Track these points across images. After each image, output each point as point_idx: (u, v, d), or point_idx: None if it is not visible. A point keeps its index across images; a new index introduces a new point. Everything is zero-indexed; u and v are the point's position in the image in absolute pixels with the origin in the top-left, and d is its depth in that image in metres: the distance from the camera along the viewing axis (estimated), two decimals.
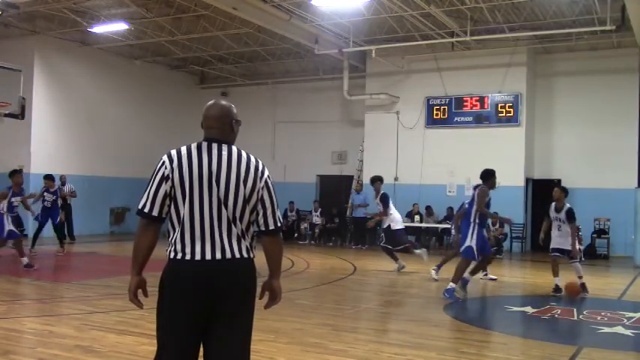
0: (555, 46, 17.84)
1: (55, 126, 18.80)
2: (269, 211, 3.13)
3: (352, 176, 20.20)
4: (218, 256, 2.95)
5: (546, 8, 15.76)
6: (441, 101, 18.89)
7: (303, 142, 21.13)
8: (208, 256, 2.94)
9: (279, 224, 3.16)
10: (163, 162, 3.03)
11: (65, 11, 16.47)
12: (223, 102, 3.28)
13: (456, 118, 18.69)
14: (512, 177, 17.59)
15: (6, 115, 14.10)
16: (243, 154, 3.11)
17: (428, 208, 18.25)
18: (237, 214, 3.01)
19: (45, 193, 13.86)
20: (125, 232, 20.36)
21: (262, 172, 3.11)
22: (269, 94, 22.14)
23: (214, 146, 3.07)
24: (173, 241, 3.00)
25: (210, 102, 3.27)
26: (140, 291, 3.11)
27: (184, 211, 2.97)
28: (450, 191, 18.48)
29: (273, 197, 3.15)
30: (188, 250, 2.95)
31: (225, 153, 3.06)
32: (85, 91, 19.61)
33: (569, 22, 16.13)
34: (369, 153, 19.67)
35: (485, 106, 18.33)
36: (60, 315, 7.45)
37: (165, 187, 2.99)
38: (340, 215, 19.63)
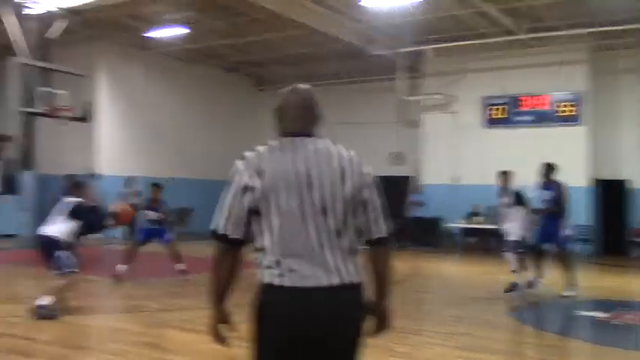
0: (618, 43, 17.30)
1: (118, 129, 19.32)
2: (375, 215, 2.52)
3: (409, 177, 20.06)
4: (324, 282, 2.33)
5: (606, 3, 15.28)
6: (499, 101, 18.56)
7: (359, 144, 20.82)
8: (311, 282, 2.32)
9: (389, 230, 2.58)
10: (239, 169, 2.42)
11: (126, 17, 16.89)
12: (303, 86, 2.69)
13: (515, 118, 18.33)
14: (573, 177, 17.06)
15: (73, 119, 14.57)
16: (333, 146, 2.53)
17: (490, 208, 17.85)
18: (340, 223, 2.40)
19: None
20: (188, 232, 20.71)
21: (361, 167, 2.53)
22: (323, 95, 21.83)
23: (299, 142, 2.48)
24: (266, 262, 2.38)
25: (289, 88, 2.68)
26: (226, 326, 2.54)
27: (275, 226, 2.35)
28: None
29: (379, 197, 2.56)
30: (286, 275, 2.33)
31: (312, 148, 2.47)
32: (146, 94, 20.09)
33: (631, 18, 15.61)
34: (426, 154, 19.50)
35: (545, 106, 17.93)
36: (129, 312, 7.64)
37: (247, 201, 2.37)
38: (398, 216, 19.52)
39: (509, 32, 16.72)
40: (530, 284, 9.45)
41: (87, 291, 9.07)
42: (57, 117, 14.38)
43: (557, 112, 17.73)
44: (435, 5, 15.17)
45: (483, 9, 14.81)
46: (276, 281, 2.34)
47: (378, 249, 2.57)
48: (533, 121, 18.05)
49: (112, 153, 18.80)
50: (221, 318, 2.53)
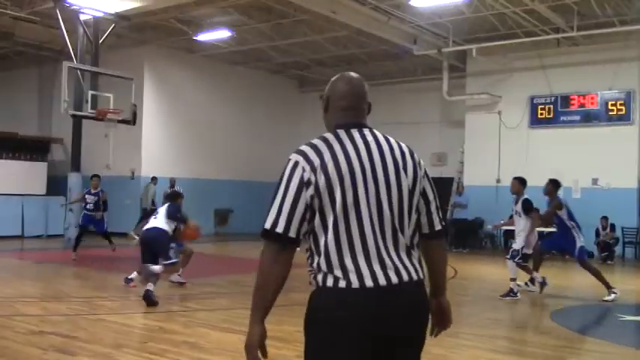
0: None
1: (163, 131, 19.70)
2: (433, 207, 2.42)
3: (452, 178, 19.84)
4: (394, 279, 2.20)
5: None
6: (545, 100, 18.19)
7: None
8: (382, 281, 2.17)
9: (444, 223, 2.46)
10: (297, 163, 2.24)
11: (172, 21, 17.21)
12: (354, 74, 2.54)
13: (562, 118, 17.95)
14: (623, 179, 16.67)
15: (119, 121, 14.91)
16: (390, 137, 2.41)
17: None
18: (404, 217, 2.29)
19: (87, 196, 13.08)
20: (228, 232, 21.02)
21: (418, 158, 2.42)
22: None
23: (355, 133, 2.34)
24: (326, 263, 2.21)
25: (340, 76, 2.52)
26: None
27: (338, 223, 2.20)
28: None
29: (434, 189, 2.45)
30: (353, 275, 2.17)
31: (371, 139, 2.34)
32: (191, 96, 20.42)
33: None
34: (469, 154, 19.25)
35: (594, 104, 17.49)
36: (168, 312, 7.77)
37: (305, 197, 2.20)
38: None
39: (557, 30, 16.38)
40: (541, 285, 9.72)
41: (127, 290, 9.28)
42: (105, 119, 14.75)
43: (606, 111, 17.27)
44: (482, 4, 14.98)
45: (531, 7, 14.54)
46: (341, 283, 2.17)
47: (437, 242, 2.45)
48: (581, 121, 17.63)
49: (156, 155, 19.16)
50: (263, 336, 2.23)
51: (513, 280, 9.49)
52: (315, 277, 2.25)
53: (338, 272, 2.18)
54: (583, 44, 17.18)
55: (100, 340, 6.09)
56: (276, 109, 23.05)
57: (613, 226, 16.09)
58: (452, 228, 18.68)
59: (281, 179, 2.24)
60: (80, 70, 15.07)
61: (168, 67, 19.85)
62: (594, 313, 9.20)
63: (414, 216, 2.33)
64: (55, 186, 18.22)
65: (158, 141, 19.42)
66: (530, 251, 9.61)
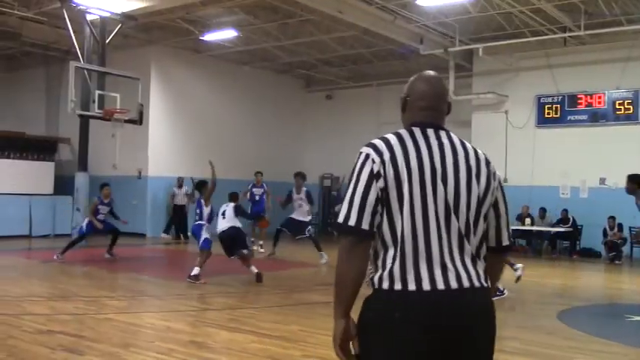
0: None
1: (169, 131, 19.73)
2: (503, 221, 2.37)
3: None
4: (454, 284, 2.13)
5: None
6: (552, 99, 18.14)
7: None
8: (441, 285, 2.11)
9: (512, 240, 2.40)
10: (368, 155, 2.20)
11: (179, 21, 17.24)
12: (433, 73, 2.49)
13: (569, 117, 17.90)
14: None
15: (126, 121, 14.95)
16: (466, 142, 2.36)
17: (542, 210, 17.48)
18: (471, 225, 2.22)
19: (100, 206, 13.12)
20: None
21: (493, 168, 2.35)
22: (374, 95, 22.13)
23: (431, 133, 2.29)
24: (386, 264, 2.17)
25: (418, 76, 2.46)
26: (351, 343, 2.23)
27: (403, 221, 2.15)
28: (563, 193, 17.70)
29: (507, 204, 2.39)
30: (411, 277, 2.12)
31: (446, 141, 2.29)
32: (198, 96, 20.45)
33: None
34: None
35: (602, 104, 17.43)
36: (176, 311, 7.79)
37: (376, 189, 2.16)
38: None
39: (564, 29, 16.33)
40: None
41: (134, 290, 9.30)
42: (112, 119, 14.79)
43: (614, 110, 17.21)
44: (488, 3, 14.95)
45: (538, 6, 14.50)
46: (398, 286, 2.12)
47: (500, 257, 2.40)
48: (588, 120, 17.57)
49: (163, 155, 19.19)
50: (347, 330, 2.20)
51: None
52: (372, 278, 2.20)
53: (397, 274, 2.13)
54: (590, 43, 17.13)
55: (108, 339, 6.12)
56: (283, 109, 23.05)
57: (621, 226, 16.03)
58: None
59: (352, 172, 2.22)
60: (87, 70, 15.12)
61: (175, 66, 19.89)
62: (602, 313, 9.17)
63: (482, 226, 2.26)
64: (63, 185, 18.28)
65: (165, 141, 19.46)
66: None
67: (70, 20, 14.88)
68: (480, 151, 2.35)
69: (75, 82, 14.31)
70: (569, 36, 16.63)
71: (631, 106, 16.98)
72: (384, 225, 2.17)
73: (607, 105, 17.33)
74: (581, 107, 17.72)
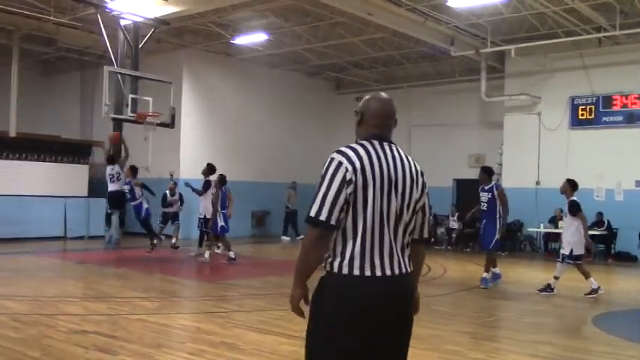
0: None
1: (201, 133, 19.91)
2: (426, 219, 2.93)
3: None
4: (396, 270, 2.71)
5: None
6: (587, 100, 17.84)
7: (439, 146, 20.78)
8: (388, 272, 2.68)
9: (431, 233, 3.03)
10: (341, 163, 2.65)
11: (210, 25, 17.40)
12: (386, 96, 2.97)
13: (603, 118, 17.57)
14: None
15: (159, 125, 15.11)
16: (408, 155, 2.89)
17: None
18: (408, 223, 2.78)
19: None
20: (265, 234, 21.14)
21: (425, 178, 2.90)
22: (404, 97, 21.99)
23: (386, 146, 2.79)
24: (345, 254, 2.66)
25: (373, 96, 2.94)
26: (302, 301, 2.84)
27: (365, 220, 2.65)
28: (597, 195, 17.35)
29: (430, 204, 2.97)
30: (367, 265, 2.65)
31: (396, 155, 2.80)
32: (229, 99, 20.60)
33: None
34: (508, 156, 18.99)
35: (637, 105, 17.07)
36: (206, 313, 7.85)
37: (345, 193, 2.62)
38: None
39: (598, 29, 16.06)
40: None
41: (166, 292, 9.39)
42: (145, 123, 14.96)
43: None
44: (521, 3, 14.78)
45: (572, 6, 14.29)
46: (356, 272, 2.64)
47: (421, 246, 2.97)
48: (623, 121, 17.24)
49: (194, 157, 19.33)
50: (304, 295, 2.78)
51: (556, 278, 9.97)
52: (332, 263, 2.68)
53: (356, 262, 2.64)
54: (625, 43, 16.81)
55: (140, 339, 6.18)
56: (313, 112, 23.10)
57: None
58: None
59: (325, 174, 2.66)
60: (120, 74, 15.33)
61: (206, 70, 20.06)
62: (638, 318, 8.97)
63: (412, 223, 2.82)
64: (96, 188, 18.57)
65: (196, 143, 19.63)
66: None
67: (104, 25, 15.12)
68: (416, 164, 2.89)
69: (109, 86, 14.51)
70: (604, 36, 16.34)
71: None
72: (348, 221, 2.66)
73: None
74: (616, 108, 17.38)
